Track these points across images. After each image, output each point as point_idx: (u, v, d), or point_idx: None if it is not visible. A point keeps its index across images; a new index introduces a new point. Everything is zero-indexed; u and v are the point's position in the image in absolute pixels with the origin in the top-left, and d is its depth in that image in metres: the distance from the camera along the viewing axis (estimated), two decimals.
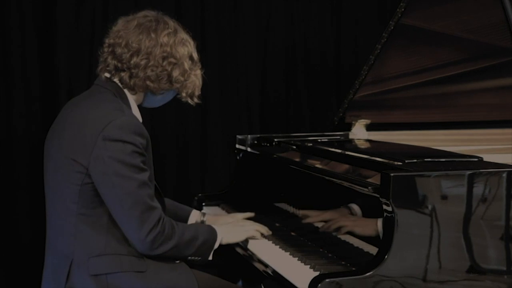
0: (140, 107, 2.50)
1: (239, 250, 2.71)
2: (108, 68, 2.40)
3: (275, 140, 3.36)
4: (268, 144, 3.39)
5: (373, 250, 2.31)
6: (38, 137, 2.46)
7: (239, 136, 3.47)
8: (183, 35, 2.45)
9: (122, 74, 2.38)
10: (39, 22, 3.96)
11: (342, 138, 3.51)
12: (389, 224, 2.20)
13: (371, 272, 2.16)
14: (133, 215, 2.26)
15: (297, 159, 3.03)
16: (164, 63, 2.37)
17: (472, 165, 2.42)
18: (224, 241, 2.54)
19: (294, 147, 3.18)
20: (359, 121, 3.49)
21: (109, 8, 3.98)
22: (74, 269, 2.31)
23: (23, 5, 3.93)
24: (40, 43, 3.98)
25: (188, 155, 4.27)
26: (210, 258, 2.49)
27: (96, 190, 2.29)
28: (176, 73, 2.40)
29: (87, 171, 2.27)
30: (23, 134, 3.92)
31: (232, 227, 2.65)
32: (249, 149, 3.42)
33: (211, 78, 4.22)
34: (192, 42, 2.48)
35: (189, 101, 2.47)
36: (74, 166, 2.28)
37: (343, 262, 2.44)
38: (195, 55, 2.48)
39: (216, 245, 2.49)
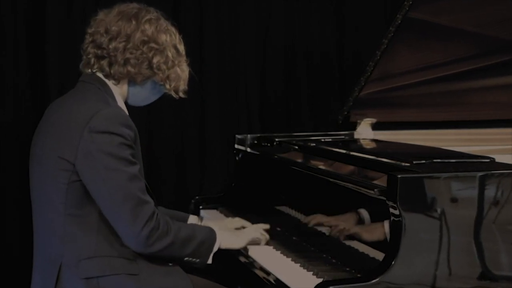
0: (128, 107, 2.50)
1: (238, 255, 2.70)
2: (89, 57, 2.42)
3: (276, 140, 3.36)
4: (268, 144, 3.39)
5: (379, 255, 2.31)
6: (28, 139, 2.48)
7: (238, 136, 3.46)
8: (166, 24, 2.47)
9: (102, 62, 2.40)
10: (29, 18, 3.97)
11: (346, 137, 3.50)
12: (396, 229, 2.20)
13: (377, 279, 2.15)
14: (125, 209, 2.26)
15: (299, 160, 3.03)
16: (144, 47, 2.40)
17: (483, 166, 2.42)
18: (224, 245, 2.53)
19: (296, 147, 3.18)
20: (364, 120, 3.48)
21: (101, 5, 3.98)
22: (63, 273, 2.32)
23: (14, 2, 3.94)
24: (30, 41, 3.98)
25: (185, 156, 4.27)
26: (210, 261, 2.48)
27: (84, 188, 2.29)
28: (157, 59, 2.42)
29: (74, 167, 2.27)
30: (13, 136, 3.93)
31: (233, 232, 2.65)
32: (248, 150, 3.42)
33: (210, 76, 4.25)
34: (177, 35, 2.50)
35: (173, 94, 2.49)
36: (61, 163, 2.28)
37: (347, 268, 2.43)
38: (181, 48, 2.50)
39: (215, 248, 2.48)
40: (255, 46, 4.39)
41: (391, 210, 2.22)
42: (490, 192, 2.28)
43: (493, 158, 2.53)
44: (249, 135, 3.46)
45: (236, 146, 3.45)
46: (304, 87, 4.49)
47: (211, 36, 4.28)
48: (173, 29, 2.50)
